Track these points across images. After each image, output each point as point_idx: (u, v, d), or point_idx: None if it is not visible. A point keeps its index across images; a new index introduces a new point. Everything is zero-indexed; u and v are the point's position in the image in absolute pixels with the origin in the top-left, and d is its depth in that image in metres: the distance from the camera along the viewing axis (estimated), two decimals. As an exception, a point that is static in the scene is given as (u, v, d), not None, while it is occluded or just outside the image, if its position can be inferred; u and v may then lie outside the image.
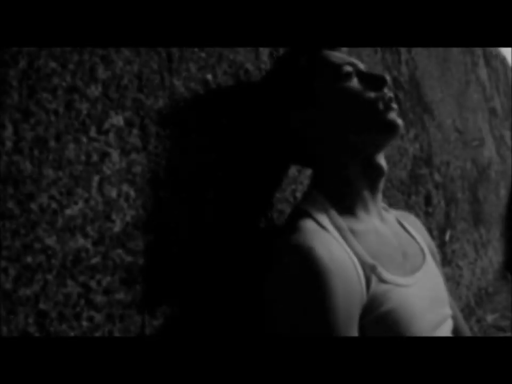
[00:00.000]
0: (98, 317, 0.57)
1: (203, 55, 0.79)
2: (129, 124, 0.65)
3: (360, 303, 0.64)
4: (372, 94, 0.76)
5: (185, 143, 0.72)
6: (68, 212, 0.56)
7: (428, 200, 1.64)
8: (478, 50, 2.74)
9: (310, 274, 0.61)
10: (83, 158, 0.59)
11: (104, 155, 0.61)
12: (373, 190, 0.79)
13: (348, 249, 0.68)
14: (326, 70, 0.78)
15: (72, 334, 0.54)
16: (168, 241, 0.67)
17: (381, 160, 0.78)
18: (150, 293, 0.63)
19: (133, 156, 0.65)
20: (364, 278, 0.66)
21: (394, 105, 0.76)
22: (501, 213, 2.61)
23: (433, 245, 0.95)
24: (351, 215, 0.76)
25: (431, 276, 0.79)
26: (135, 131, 0.66)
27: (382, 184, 0.80)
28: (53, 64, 0.57)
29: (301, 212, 0.74)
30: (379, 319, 0.65)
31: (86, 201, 0.58)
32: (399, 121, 0.76)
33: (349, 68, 0.77)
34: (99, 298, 0.58)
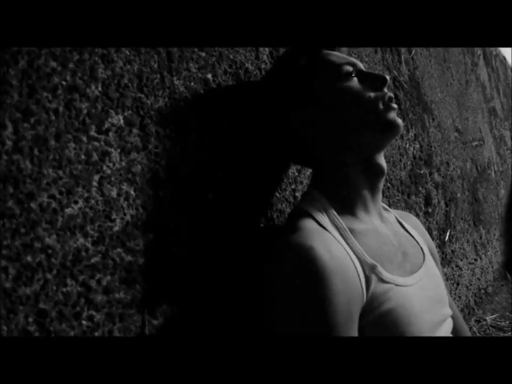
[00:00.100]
0: (98, 317, 0.57)
1: (203, 54, 0.79)
2: (129, 123, 0.65)
3: (360, 303, 0.64)
4: (372, 94, 0.76)
5: (185, 143, 0.72)
6: (68, 211, 0.56)
7: (427, 200, 1.64)
8: (478, 50, 2.74)
9: (310, 274, 0.61)
10: (83, 157, 0.59)
11: (104, 154, 0.61)
12: (373, 189, 0.79)
13: (348, 249, 0.68)
14: (326, 70, 0.78)
15: (72, 333, 0.54)
16: (168, 240, 0.67)
17: (381, 160, 0.78)
18: (150, 292, 0.63)
19: (133, 155, 0.65)
20: (363, 278, 0.66)
21: (394, 105, 0.76)
22: (501, 213, 2.62)
23: (433, 245, 0.95)
24: (351, 215, 0.76)
25: (431, 276, 0.79)
26: (135, 130, 0.66)
27: (382, 184, 0.80)
28: (53, 64, 0.57)
29: (301, 211, 0.74)
30: (379, 319, 0.65)
31: (86, 200, 0.58)
32: (399, 121, 0.76)
33: (349, 68, 0.77)
34: (99, 298, 0.58)
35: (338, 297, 0.61)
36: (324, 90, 0.77)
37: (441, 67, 2.05)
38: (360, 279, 0.65)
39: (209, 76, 0.80)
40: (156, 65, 0.70)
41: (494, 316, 1.90)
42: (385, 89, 0.77)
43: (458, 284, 1.78)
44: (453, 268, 1.75)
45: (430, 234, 1.58)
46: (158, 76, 0.71)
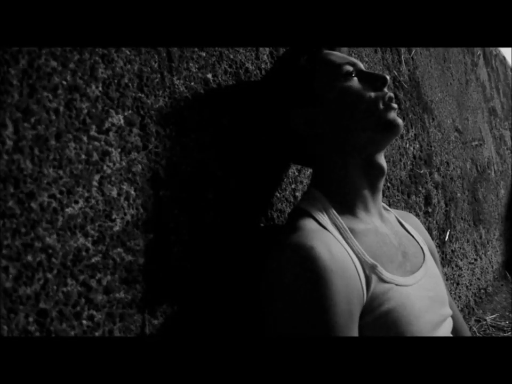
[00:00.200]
0: (98, 316, 0.57)
1: (203, 54, 0.79)
2: (129, 123, 0.65)
3: (360, 302, 0.64)
4: (372, 94, 0.76)
5: (185, 143, 0.72)
6: (68, 211, 0.56)
7: (427, 200, 1.64)
8: (478, 50, 2.74)
9: (310, 273, 0.61)
10: (83, 157, 0.59)
11: (105, 154, 0.61)
12: (373, 189, 0.79)
13: (348, 249, 0.68)
14: (326, 70, 0.78)
15: (72, 333, 0.54)
16: (168, 240, 0.67)
17: (381, 159, 0.78)
18: (150, 292, 0.64)
19: (133, 155, 0.65)
20: (364, 278, 0.66)
21: (395, 105, 0.76)
22: (501, 213, 2.62)
23: (433, 244, 0.95)
24: (351, 214, 0.76)
25: (431, 276, 0.79)
26: (136, 130, 0.66)
27: (382, 184, 0.80)
28: (53, 63, 0.57)
29: (301, 211, 0.74)
30: (379, 318, 0.65)
31: (87, 200, 0.58)
32: (399, 121, 0.76)
33: (349, 68, 0.77)
34: (99, 298, 0.58)
35: (338, 297, 0.61)
36: (324, 90, 0.77)
37: (441, 67, 2.06)
38: (360, 279, 0.65)
39: (210, 75, 0.80)
40: (156, 65, 0.70)
41: (494, 315, 1.90)
42: (385, 89, 0.77)
43: (458, 284, 1.78)
44: (453, 267, 1.75)
45: (430, 234, 1.58)
46: (158, 75, 0.71)
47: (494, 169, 2.63)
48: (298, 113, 0.79)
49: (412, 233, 0.87)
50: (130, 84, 0.66)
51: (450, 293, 1.66)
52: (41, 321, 0.52)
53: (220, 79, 0.82)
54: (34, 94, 0.55)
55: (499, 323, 1.84)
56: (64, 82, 0.58)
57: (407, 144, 1.56)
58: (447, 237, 1.74)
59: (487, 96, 2.80)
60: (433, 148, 1.77)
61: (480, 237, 2.16)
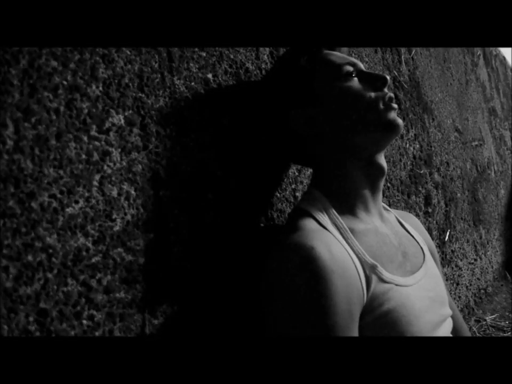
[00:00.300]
0: (98, 316, 0.57)
1: (204, 54, 0.79)
2: (130, 123, 0.65)
3: (361, 303, 0.64)
4: (372, 94, 0.76)
5: (185, 143, 0.73)
6: (69, 210, 0.56)
7: (427, 200, 1.64)
8: (478, 50, 2.74)
9: (311, 274, 0.61)
10: (84, 157, 0.59)
11: (105, 154, 0.61)
12: (373, 189, 0.79)
13: (348, 249, 0.68)
14: (326, 70, 0.78)
15: (72, 333, 0.54)
16: (169, 240, 0.67)
17: (381, 159, 0.78)
18: (150, 292, 0.64)
19: (134, 155, 0.65)
20: (364, 278, 0.66)
21: (395, 105, 0.76)
22: (501, 213, 2.62)
23: (433, 245, 0.95)
24: (351, 214, 0.76)
25: (431, 276, 0.79)
26: (136, 130, 0.66)
27: (382, 184, 0.80)
28: (53, 63, 0.57)
29: (301, 211, 0.74)
30: (379, 319, 0.65)
31: (87, 200, 0.58)
32: (399, 121, 0.76)
33: (349, 68, 0.77)
34: (99, 297, 0.58)
35: (338, 297, 0.61)
36: (324, 90, 0.77)
37: (441, 67, 2.06)
38: (360, 279, 0.65)
39: (210, 75, 0.80)
40: (156, 65, 0.70)
41: (493, 316, 1.90)
42: (386, 89, 0.77)
43: (458, 284, 1.78)
44: (452, 267, 1.75)
45: (430, 234, 1.58)
46: (159, 75, 0.71)
47: (494, 169, 2.63)
48: (298, 113, 0.79)
49: (412, 233, 0.88)
50: (130, 84, 0.66)
51: (450, 293, 1.66)
52: (41, 321, 0.52)
53: (220, 79, 0.82)
54: (34, 94, 0.55)
55: (499, 323, 1.84)
56: (65, 82, 0.58)
57: (407, 144, 1.56)
58: (447, 237, 1.74)
59: (487, 96, 2.80)
60: (433, 148, 1.77)
61: (480, 237, 2.16)
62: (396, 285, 0.69)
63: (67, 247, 0.55)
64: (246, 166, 0.83)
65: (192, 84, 0.76)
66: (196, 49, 0.78)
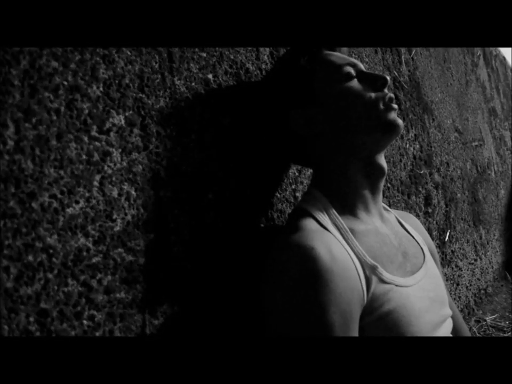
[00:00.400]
0: (99, 316, 0.57)
1: (204, 55, 0.79)
2: (130, 123, 0.65)
3: (361, 303, 0.64)
4: (372, 94, 0.76)
5: (186, 143, 0.73)
6: (69, 211, 0.56)
7: (427, 200, 1.65)
8: (478, 51, 2.74)
9: (311, 273, 0.61)
10: (84, 157, 0.59)
11: (105, 154, 0.61)
12: (374, 190, 0.79)
13: (349, 250, 0.68)
14: (327, 70, 0.78)
15: (73, 333, 0.54)
16: (169, 240, 0.67)
17: (381, 160, 0.79)
18: (150, 292, 0.64)
19: (134, 155, 0.65)
20: (364, 279, 0.66)
21: (395, 105, 0.76)
22: (501, 213, 2.62)
23: (433, 245, 0.95)
24: (351, 215, 0.76)
25: (431, 276, 0.79)
26: (136, 131, 0.66)
27: (382, 184, 0.80)
28: (54, 64, 0.57)
29: (302, 211, 0.74)
30: (379, 319, 0.65)
31: (87, 200, 0.58)
32: (399, 121, 0.76)
33: (349, 68, 0.77)
34: (100, 298, 0.58)
35: (338, 297, 0.61)
36: (324, 91, 0.77)
37: (441, 67, 2.06)
38: (360, 280, 0.65)
39: (210, 76, 0.80)
40: (157, 66, 0.71)
41: (493, 316, 1.90)
42: (386, 90, 0.77)
43: (458, 284, 1.78)
44: (452, 268, 1.75)
45: (430, 234, 1.58)
46: (159, 76, 0.71)
47: (494, 169, 2.63)
48: (299, 113, 0.79)
49: (412, 233, 0.88)
50: (131, 84, 0.66)
51: (450, 293, 1.66)
52: (42, 321, 0.52)
53: (220, 79, 0.82)
54: (35, 94, 0.55)
55: (499, 323, 1.84)
56: (65, 83, 0.58)
57: (407, 145, 1.56)
58: (447, 238, 1.74)
59: (487, 97, 2.80)
60: (433, 148, 1.77)
61: (480, 238, 2.16)
62: (396, 285, 0.69)
63: (67, 247, 0.55)
64: (246, 166, 0.83)
65: (193, 84, 0.76)
66: (196, 49, 0.78)
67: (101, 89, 0.62)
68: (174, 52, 0.74)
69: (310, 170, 0.99)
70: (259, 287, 0.69)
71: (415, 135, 1.63)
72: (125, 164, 0.63)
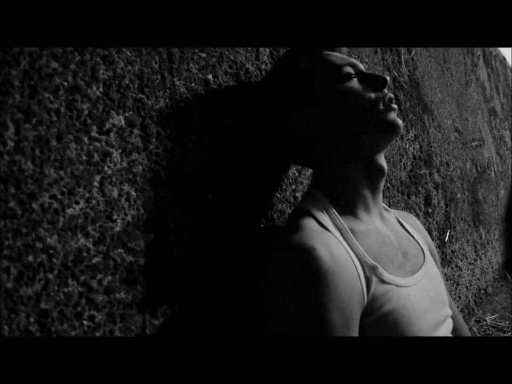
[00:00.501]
0: (99, 317, 0.57)
1: (204, 55, 0.79)
2: (130, 124, 0.65)
3: (361, 304, 0.64)
4: (372, 95, 0.76)
5: (186, 143, 0.73)
6: (69, 211, 0.56)
7: (427, 200, 1.65)
8: (478, 51, 2.74)
9: (311, 273, 0.61)
10: (84, 157, 0.59)
11: (105, 155, 0.61)
12: (374, 190, 0.79)
13: (349, 250, 0.68)
14: (326, 71, 0.78)
15: (73, 333, 0.54)
16: (169, 241, 0.67)
17: (382, 160, 0.79)
18: (151, 292, 0.64)
19: (134, 155, 0.65)
20: (364, 279, 0.66)
21: (395, 106, 0.76)
22: (501, 213, 2.62)
23: (432, 245, 0.95)
24: (351, 215, 0.76)
25: (431, 276, 0.79)
26: (136, 131, 0.66)
27: (382, 184, 0.80)
28: (54, 64, 0.57)
29: (302, 211, 0.74)
30: (380, 320, 0.65)
31: (87, 201, 0.58)
32: (399, 122, 0.76)
33: (349, 69, 0.77)
34: (100, 298, 0.58)
35: (339, 297, 0.61)
36: (324, 91, 0.77)
37: (441, 67, 2.06)
38: (360, 280, 0.65)
39: (210, 76, 0.80)
40: (156, 66, 0.71)
41: (493, 316, 1.90)
42: (386, 90, 0.77)
43: (458, 284, 1.78)
44: (452, 268, 1.75)
45: (430, 234, 1.58)
46: (159, 76, 0.71)
47: (494, 169, 2.63)
48: (298, 113, 0.79)
49: (412, 233, 0.88)
50: (131, 85, 0.66)
51: (450, 294, 1.66)
52: (42, 322, 0.52)
53: (220, 80, 0.82)
54: (35, 95, 0.55)
55: (499, 323, 1.84)
56: (65, 83, 0.58)
57: (407, 145, 1.56)
58: (447, 238, 1.74)
59: (487, 97, 2.80)
60: (433, 149, 1.77)
61: (480, 238, 2.16)
62: (396, 285, 0.69)
63: (68, 248, 0.55)
64: (246, 166, 0.83)
65: (193, 84, 0.76)
66: (196, 50, 0.78)
67: (101, 89, 0.62)
68: (174, 53, 0.74)
69: (310, 171, 0.99)
70: (259, 287, 0.69)
71: (415, 135, 1.63)
72: (125, 164, 0.63)
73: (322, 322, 0.60)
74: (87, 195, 0.58)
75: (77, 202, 0.57)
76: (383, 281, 0.67)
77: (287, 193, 0.93)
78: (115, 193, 0.62)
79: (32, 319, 0.51)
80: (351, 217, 0.75)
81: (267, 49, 0.95)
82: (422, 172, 1.64)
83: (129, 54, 0.67)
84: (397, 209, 1.35)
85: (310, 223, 0.70)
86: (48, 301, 0.52)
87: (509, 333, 1.77)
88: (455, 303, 1.66)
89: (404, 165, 1.51)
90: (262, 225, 0.85)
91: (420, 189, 1.60)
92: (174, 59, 0.74)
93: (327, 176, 0.79)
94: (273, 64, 0.95)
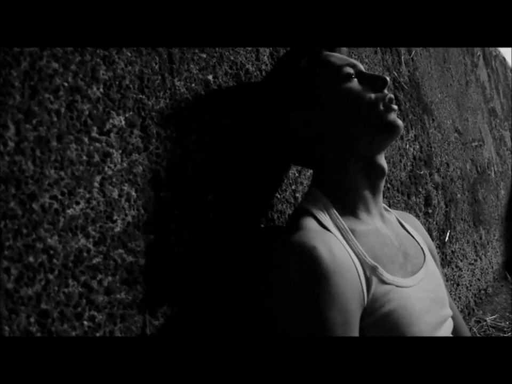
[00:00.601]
0: (99, 317, 0.57)
1: (204, 56, 0.79)
2: (130, 124, 0.65)
3: (361, 304, 0.64)
4: (372, 95, 0.76)
5: (186, 144, 0.73)
6: (70, 212, 0.56)
7: (427, 200, 1.65)
8: (478, 51, 2.74)
9: (312, 273, 0.61)
10: (85, 158, 0.59)
11: (106, 155, 0.61)
12: (374, 190, 0.79)
13: (349, 250, 0.68)
14: (327, 71, 0.78)
15: (73, 334, 0.54)
16: (169, 241, 0.67)
17: (382, 160, 0.79)
18: (151, 293, 0.64)
19: (134, 156, 0.65)
20: (364, 279, 0.66)
21: (395, 106, 0.76)
22: (501, 213, 2.62)
23: (433, 245, 0.95)
24: (352, 215, 0.76)
25: (431, 277, 0.79)
26: (136, 132, 0.66)
27: (382, 185, 0.80)
28: (54, 65, 0.57)
29: (303, 211, 0.74)
30: (380, 320, 0.65)
31: (88, 201, 0.58)
32: (399, 122, 0.76)
33: (349, 69, 0.77)
34: (100, 298, 0.58)
35: (339, 297, 0.61)
36: (324, 92, 0.77)
37: (441, 68, 2.06)
38: (361, 280, 0.65)
39: (210, 77, 0.80)
40: (157, 67, 0.71)
41: (494, 316, 1.90)
42: (386, 91, 0.77)
43: (458, 285, 1.78)
44: (453, 268, 1.75)
45: (430, 235, 1.58)
46: (159, 77, 0.71)
47: (494, 170, 2.63)
48: (299, 114, 0.79)
49: (412, 233, 0.88)
50: (131, 85, 0.66)
51: (450, 294, 1.66)
52: (42, 322, 0.52)
53: (220, 80, 0.82)
54: (35, 96, 0.55)
55: (499, 324, 1.84)
56: (66, 84, 0.58)
57: (407, 145, 1.56)
58: (447, 238, 1.74)
59: (487, 97, 2.80)
60: (433, 149, 1.77)
61: (480, 238, 2.16)
62: (397, 286, 0.69)
63: (68, 248, 0.55)
64: (246, 167, 0.83)
65: (193, 85, 0.76)
66: (196, 50, 0.78)
67: (101, 90, 0.62)
68: (174, 53, 0.74)
69: (310, 171, 0.99)
70: (259, 287, 0.69)
71: (415, 135, 1.63)
72: (125, 164, 0.64)
73: (322, 322, 0.60)
74: (87, 195, 0.58)
75: (77, 203, 0.57)
76: (383, 282, 0.67)
77: (287, 193, 0.93)
78: (115, 194, 0.62)
79: (32, 320, 0.51)
80: (351, 218, 0.75)
81: (267, 50, 0.95)
82: (422, 172, 1.64)
83: (129, 54, 0.67)
84: (397, 209, 1.36)
85: (310, 223, 0.70)
86: (48, 301, 0.52)
87: (509, 333, 1.77)
88: (455, 304, 1.66)
89: (404, 165, 1.51)
90: (262, 225, 0.85)
91: (420, 189, 1.60)
92: (174, 59, 0.74)
93: (327, 177, 0.79)
94: (273, 64, 0.95)
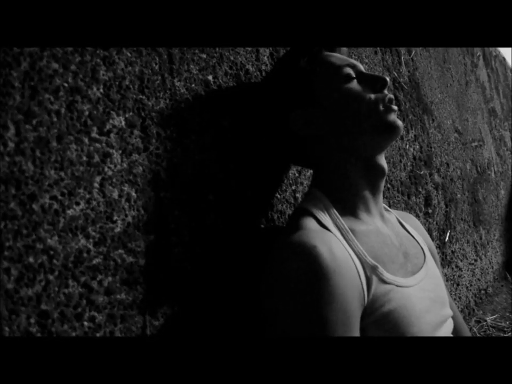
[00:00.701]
0: (99, 318, 0.57)
1: (204, 56, 0.79)
2: (130, 124, 0.65)
3: (361, 303, 0.64)
4: (372, 95, 0.76)
5: (186, 144, 0.73)
6: (70, 212, 0.56)
7: (427, 201, 1.65)
8: (478, 51, 2.74)
9: (312, 272, 0.61)
10: (85, 158, 0.59)
11: (106, 156, 0.61)
12: (374, 190, 0.79)
13: (349, 249, 0.68)
14: (326, 71, 0.78)
15: (73, 334, 0.54)
16: (169, 241, 0.67)
17: (382, 160, 0.79)
18: (151, 293, 0.64)
19: (134, 156, 0.65)
20: (364, 279, 0.66)
21: (395, 107, 0.76)
22: (501, 213, 2.62)
23: (433, 245, 0.95)
24: (352, 215, 0.76)
25: (431, 277, 0.79)
26: (136, 132, 0.66)
27: (382, 185, 0.80)
28: (55, 65, 0.57)
29: (303, 210, 0.74)
30: (380, 320, 0.65)
31: (88, 201, 0.58)
32: (399, 123, 0.76)
33: (349, 69, 0.77)
34: (100, 299, 0.58)
35: (340, 296, 0.61)
36: (324, 92, 0.77)
37: (441, 68, 2.06)
38: (361, 280, 0.65)
39: (210, 77, 0.80)
40: (157, 67, 0.71)
41: (494, 316, 1.90)
42: (385, 91, 0.77)
43: (458, 285, 1.78)
44: (453, 268, 1.75)
45: (430, 235, 1.58)
46: (159, 77, 0.71)
47: (494, 170, 2.63)
48: (298, 114, 0.79)
49: (413, 233, 0.88)
50: (131, 86, 0.66)
51: (451, 294, 1.66)
52: (42, 323, 0.52)
53: (220, 80, 0.82)
54: (35, 96, 0.55)
55: (499, 324, 1.84)
56: (66, 84, 0.58)
57: (407, 145, 1.56)
58: (447, 238, 1.74)
59: (487, 97, 2.81)
60: (433, 149, 1.77)
61: (480, 238, 2.16)
62: (397, 285, 0.69)
63: (68, 249, 0.55)
64: (246, 167, 0.83)
65: (193, 85, 0.76)
66: (196, 51, 0.78)
67: (101, 90, 0.62)
68: (174, 54, 0.74)
69: (310, 171, 0.99)
70: (259, 287, 0.69)
71: (414, 135, 1.63)
72: (125, 165, 0.64)
73: (322, 322, 0.60)
74: (87, 196, 0.58)
75: (77, 203, 0.57)
76: (383, 281, 0.67)
77: (287, 193, 0.93)
78: (115, 194, 0.62)
79: (32, 320, 0.51)
80: (351, 217, 0.75)
81: (267, 50, 0.95)
82: (422, 173, 1.64)
83: (129, 54, 0.67)
84: (397, 209, 1.36)
85: (310, 223, 0.70)
86: (48, 302, 0.52)
87: (509, 333, 1.77)
88: (455, 304, 1.66)
89: (404, 165, 1.51)
90: (262, 225, 0.85)
91: (420, 190, 1.60)
92: (174, 60, 0.74)
93: (327, 177, 0.79)
94: (273, 64, 0.95)
